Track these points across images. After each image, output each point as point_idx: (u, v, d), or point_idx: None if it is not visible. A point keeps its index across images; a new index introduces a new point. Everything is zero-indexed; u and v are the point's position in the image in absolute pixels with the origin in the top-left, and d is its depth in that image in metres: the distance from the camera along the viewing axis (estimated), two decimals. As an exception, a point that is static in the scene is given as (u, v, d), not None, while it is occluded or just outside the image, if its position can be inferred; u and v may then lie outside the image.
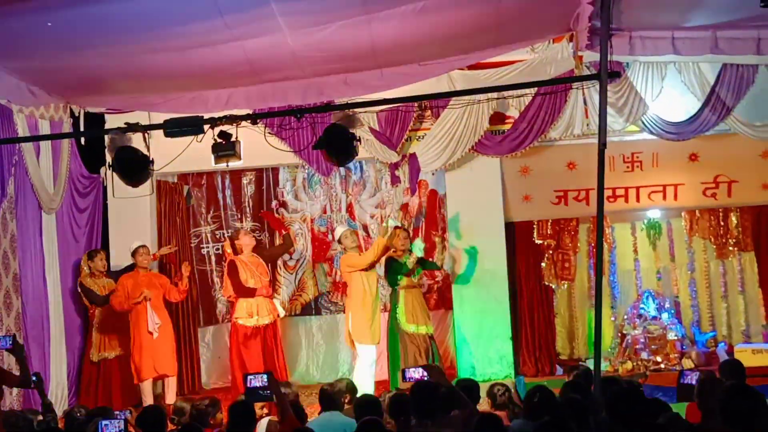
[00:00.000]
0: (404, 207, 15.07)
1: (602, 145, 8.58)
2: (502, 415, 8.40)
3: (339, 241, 13.27)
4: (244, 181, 15.35)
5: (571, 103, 13.41)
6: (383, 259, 12.91)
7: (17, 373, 8.56)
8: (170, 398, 12.97)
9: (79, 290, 13.28)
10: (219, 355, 15.13)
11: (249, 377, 7.65)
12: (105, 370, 13.19)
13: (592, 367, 9.01)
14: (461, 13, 10.25)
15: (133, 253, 13.27)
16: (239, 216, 15.37)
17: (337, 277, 15.01)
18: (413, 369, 8.24)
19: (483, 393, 9.26)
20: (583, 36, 11.00)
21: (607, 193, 13.47)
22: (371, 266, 12.84)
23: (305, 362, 15.21)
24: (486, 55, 12.21)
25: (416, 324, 12.80)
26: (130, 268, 13.45)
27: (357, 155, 10.07)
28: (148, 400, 12.85)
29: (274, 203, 15.29)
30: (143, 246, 13.36)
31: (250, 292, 12.98)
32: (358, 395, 9.05)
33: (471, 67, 12.99)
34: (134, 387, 13.16)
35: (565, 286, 14.77)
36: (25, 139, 12.09)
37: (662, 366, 13.38)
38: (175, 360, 13.28)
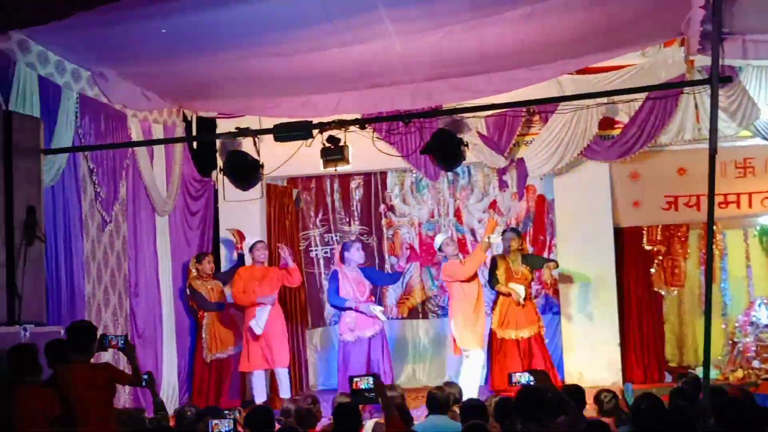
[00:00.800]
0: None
1: (713, 151, 8.48)
2: (609, 422, 8.35)
3: (440, 249, 13.29)
4: (353, 185, 15.47)
5: (682, 107, 13.27)
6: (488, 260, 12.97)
7: (129, 373, 8.72)
8: (284, 392, 13.16)
9: (188, 292, 13.50)
10: (326, 357, 15.23)
11: (355, 379, 7.69)
12: (217, 369, 13.39)
13: (701, 375, 8.90)
14: (570, 17, 10.18)
15: (251, 249, 13.47)
16: (347, 220, 15.50)
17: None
18: (519, 374, 8.22)
19: (590, 399, 9.21)
20: (695, 40, 10.85)
21: (719, 199, 13.29)
22: (471, 278, 12.86)
23: (411, 366, 15.25)
24: (596, 59, 12.13)
25: (513, 329, 12.82)
26: (237, 266, 13.70)
27: (464, 160, 10.08)
28: (259, 396, 13.06)
29: (382, 207, 15.39)
30: (261, 241, 13.58)
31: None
32: (465, 399, 9.06)
33: (580, 72, 12.92)
34: (245, 387, 13.38)
35: (675, 292, 14.60)
36: (139, 144, 12.33)
37: (774, 375, 13.18)
38: (287, 352, 13.39)
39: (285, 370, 13.35)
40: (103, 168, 11.67)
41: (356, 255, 13.16)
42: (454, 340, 12.92)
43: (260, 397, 13.12)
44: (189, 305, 13.73)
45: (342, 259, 13.22)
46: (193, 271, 13.51)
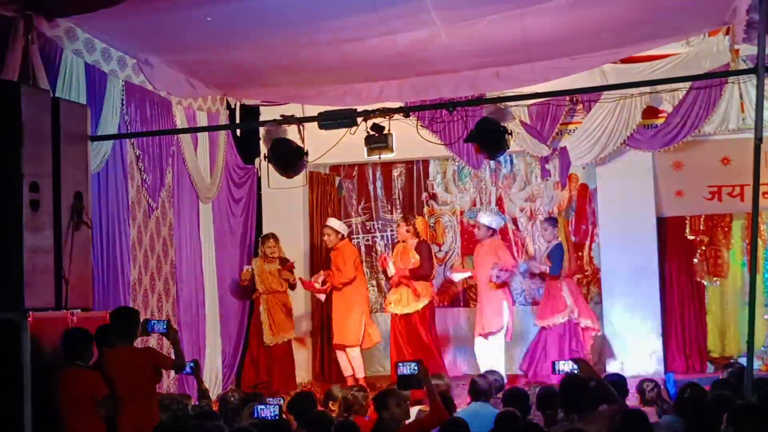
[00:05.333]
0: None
1: (758, 140, 8.42)
2: (650, 411, 8.37)
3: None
4: (395, 173, 15.52)
5: (727, 97, 13.21)
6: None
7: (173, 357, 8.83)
8: (359, 372, 13.58)
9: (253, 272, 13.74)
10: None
11: (399, 365, 7.74)
12: (276, 354, 13.57)
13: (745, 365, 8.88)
14: (615, 6, 10.17)
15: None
16: (389, 208, 15.55)
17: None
18: (563, 362, 8.25)
19: (632, 389, 9.22)
20: (740, 29, 10.81)
21: (763, 189, 13.14)
22: None
23: (453, 353, 15.26)
24: (639, 48, 12.11)
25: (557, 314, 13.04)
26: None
27: (508, 148, 10.08)
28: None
29: (424, 195, 15.44)
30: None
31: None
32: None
33: (624, 61, 12.88)
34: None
35: (718, 282, 14.53)
36: (184, 131, 12.44)
37: (818, 366, 13.13)
38: (357, 332, 13.71)
39: (357, 350, 13.67)
40: (149, 155, 11.77)
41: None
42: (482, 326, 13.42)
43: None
44: (237, 292, 13.94)
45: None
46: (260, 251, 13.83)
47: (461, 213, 15.36)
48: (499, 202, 15.24)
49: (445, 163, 15.37)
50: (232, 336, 13.87)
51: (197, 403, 9.48)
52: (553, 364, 8.37)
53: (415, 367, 7.61)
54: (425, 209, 15.42)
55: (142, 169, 11.58)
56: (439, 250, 15.27)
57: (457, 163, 15.10)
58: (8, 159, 7.71)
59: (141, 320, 8.74)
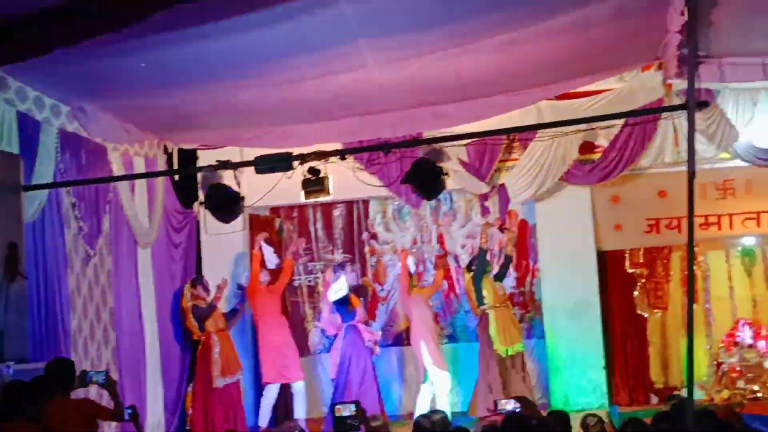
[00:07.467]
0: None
1: (692, 175, 8.47)
2: (595, 447, 8.38)
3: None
4: (335, 213, 15.48)
5: (662, 130, 13.35)
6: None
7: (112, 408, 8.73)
8: (299, 412, 13.51)
9: (190, 316, 13.47)
10: (312, 386, 15.17)
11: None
12: (228, 394, 13.37)
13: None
14: (549, 43, 10.24)
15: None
16: (331, 248, 15.49)
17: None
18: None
19: (577, 424, 9.22)
20: (672, 64, 10.93)
21: (700, 220, 13.38)
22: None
23: (398, 393, 15.21)
24: (575, 84, 12.23)
25: (511, 345, 13.01)
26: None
27: (444, 189, 10.12)
28: (265, 412, 13.51)
29: (365, 235, 15.39)
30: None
31: None
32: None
33: (559, 97, 12.99)
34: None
35: (659, 314, 14.66)
36: (119, 178, 12.25)
37: (759, 395, 13.24)
38: (300, 366, 13.77)
39: (302, 383, 13.61)
40: (86, 202, 11.61)
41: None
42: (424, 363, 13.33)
43: (266, 414, 13.46)
44: (178, 335, 13.71)
45: None
46: (188, 295, 13.50)
47: (403, 252, 15.34)
48: (440, 239, 15.24)
49: (385, 203, 15.35)
50: (174, 380, 13.70)
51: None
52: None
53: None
54: (366, 249, 15.38)
55: (79, 216, 11.42)
56: (382, 289, 15.24)
57: (397, 202, 15.11)
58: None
59: (78, 371, 8.62)
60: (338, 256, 15.27)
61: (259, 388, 14.01)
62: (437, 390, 13.28)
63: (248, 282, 13.88)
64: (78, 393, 8.81)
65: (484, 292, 13.22)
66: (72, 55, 9.10)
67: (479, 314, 13.38)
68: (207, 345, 13.36)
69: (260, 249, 13.88)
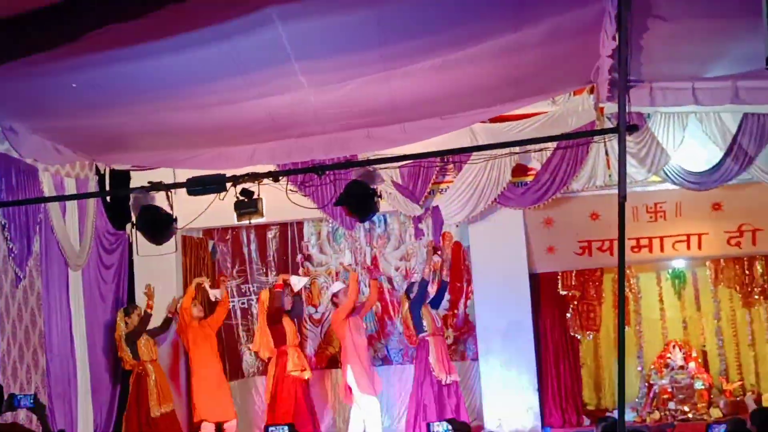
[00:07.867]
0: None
1: (622, 198, 8.55)
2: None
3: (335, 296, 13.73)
4: (269, 235, 15.45)
5: (593, 154, 13.45)
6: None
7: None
8: None
9: (123, 345, 13.34)
10: (245, 409, 15.09)
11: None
12: (164, 426, 13.23)
13: (619, 418, 8.97)
14: (481, 67, 10.28)
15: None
16: (264, 270, 15.43)
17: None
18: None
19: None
20: (604, 88, 11.01)
21: (631, 243, 13.53)
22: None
23: (332, 416, 15.17)
24: (507, 108, 12.27)
25: (449, 374, 13.02)
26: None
27: (378, 211, 10.10)
28: None
29: (299, 257, 15.37)
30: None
31: None
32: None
33: (493, 120, 13.05)
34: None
35: (591, 336, 14.80)
36: (50, 199, 12.13)
37: (690, 416, 13.39)
38: (232, 405, 13.71)
39: (234, 422, 13.54)
40: (15, 223, 11.48)
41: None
42: (349, 389, 13.31)
43: None
44: (109, 360, 13.55)
45: None
46: (122, 324, 13.34)
47: (337, 274, 15.30)
48: (374, 261, 15.25)
49: (319, 225, 15.35)
50: (104, 404, 13.54)
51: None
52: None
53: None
54: (300, 270, 15.33)
55: (8, 237, 11.30)
56: (316, 312, 15.21)
57: (331, 224, 15.09)
58: None
59: (6, 394, 8.50)
60: (272, 278, 15.20)
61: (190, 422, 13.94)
62: (365, 415, 13.28)
63: (177, 316, 13.78)
64: (6, 417, 8.70)
65: (424, 321, 13.24)
66: (0, 75, 9.00)
67: (416, 343, 13.39)
68: (142, 373, 13.27)
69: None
